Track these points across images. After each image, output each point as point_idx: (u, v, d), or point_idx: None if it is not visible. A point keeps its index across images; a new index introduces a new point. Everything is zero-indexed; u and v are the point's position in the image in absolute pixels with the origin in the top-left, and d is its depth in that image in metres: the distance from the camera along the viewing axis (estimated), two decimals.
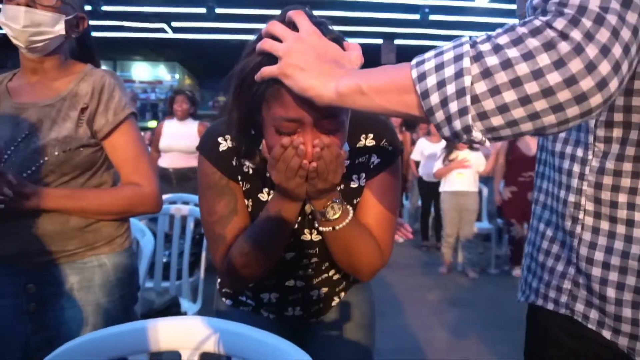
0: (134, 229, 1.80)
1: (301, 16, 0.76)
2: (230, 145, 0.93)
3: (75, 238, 1.12)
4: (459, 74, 0.54)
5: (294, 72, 0.67)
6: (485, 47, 0.54)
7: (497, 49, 0.53)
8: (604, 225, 0.73)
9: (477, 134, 0.55)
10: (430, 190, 5.46)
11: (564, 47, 0.50)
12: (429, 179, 5.36)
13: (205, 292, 2.17)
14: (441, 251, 4.93)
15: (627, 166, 0.70)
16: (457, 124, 0.55)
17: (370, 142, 0.97)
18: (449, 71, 0.55)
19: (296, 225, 0.96)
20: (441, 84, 0.55)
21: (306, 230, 0.99)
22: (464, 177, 4.55)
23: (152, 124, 14.35)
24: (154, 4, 12.91)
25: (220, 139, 0.94)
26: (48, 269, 1.12)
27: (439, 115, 0.56)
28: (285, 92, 0.72)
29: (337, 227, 0.86)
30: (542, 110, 0.52)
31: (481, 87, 0.53)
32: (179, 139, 3.79)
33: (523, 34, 0.52)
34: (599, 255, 0.73)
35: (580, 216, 0.75)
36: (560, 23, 0.51)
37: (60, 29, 1.08)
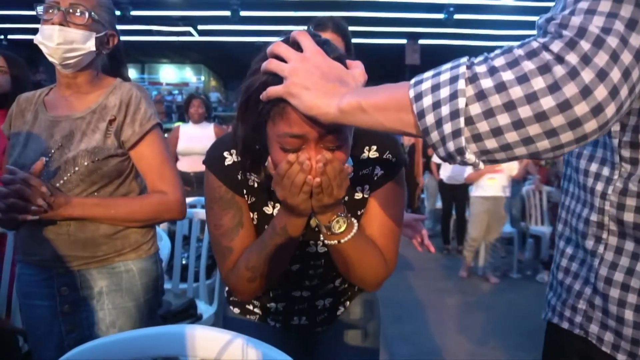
0: None
1: (305, 36, 0.77)
2: (235, 160, 0.94)
3: (105, 244, 1.18)
4: (453, 96, 0.53)
5: (300, 92, 0.68)
6: (481, 69, 0.53)
7: (492, 71, 0.52)
8: (629, 246, 0.70)
9: (470, 156, 0.55)
10: (451, 193, 5.41)
11: (559, 70, 0.48)
12: (450, 181, 5.31)
13: (221, 294, 2.22)
14: (463, 254, 4.87)
15: None
16: (451, 145, 0.54)
17: (373, 154, 0.98)
18: (445, 92, 0.54)
19: (302, 238, 0.96)
20: (436, 105, 0.55)
21: (311, 242, 0.99)
22: (495, 181, 4.47)
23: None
24: (181, 8, 13.21)
25: (226, 154, 0.95)
26: (80, 273, 1.17)
27: (434, 136, 0.56)
28: (290, 109, 0.73)
29: (342, 241, 0.86)
30: (536, 135, 0.50)
31: (475, 109, 0.52)
32: (197, 141, 3.85)
33: (519, 56, 0.51)
34: (618, 276, 0.71)
35: (604, 235, 0.73)
36: (557, 45, 0.50)
37: (91, 45, 1.15)
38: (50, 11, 1.12)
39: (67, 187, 1.14)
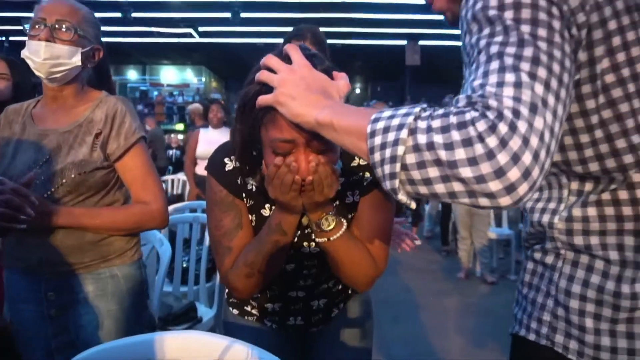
0: (153, 238, 1.91)
1: (294, 50, 0.85)
2: (235, 165, 1.02)
3: (91, 251, 1.23)
4: (396, 142, 0.58)
5: (286, 101, 0.75)
6: (422, 124, 0.58)
7: (428, 130, 0.57)
8: (584, 259, 0.77)
9: (402, 197, 0.61)
10: None
11: (479, 149, 0.53)
12: None
13: (220, 297, 2.26)
14: (459, 255, 4.92)
15: (592, 211, 0.75)
16: (388, 184, 0.61)
17: (363, 161, 1.04)
18: (391, 137, 0.59)
19: (296, 239, 1.03)
20: (382, 146, 0.60)
21: (305, 243, 1.04)
22: None
23: (180, 126, 14.66)
24: (181, 10, 13.25)
25: (226, 160, 1.03)
26: (66, 278, 1.22)
27: (378, 172, 0.62)
28: (279, 116, 0.81)
29: (331, 238, 0.92)
30: (459, 192, 0.56)
31: (411, 158, 0.57)
32: (216, 145, 3.88)
33: (451, 124, 0.56)
34: (576, 288, 0.77)
35: (562, 251, 0.80)
36: (481, 125, 0.54)
37: (77, 60, 1.18)
38: (37, 27, 1.16)
39: (55, 197, 1.18)
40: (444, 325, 3.51)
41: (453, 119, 0.56)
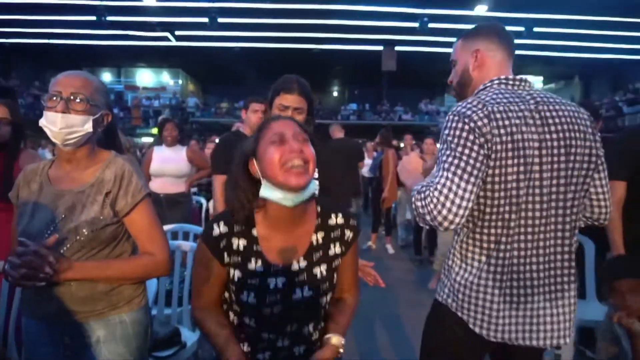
0: None
1: None
2: (221, 231, 1.16)
3: (102, 300, 1.33)
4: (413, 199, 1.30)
5: None
6: (416, 195, 1.26)
7: (417, 197, 1.26)
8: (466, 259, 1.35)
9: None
10: None
11: (426, 208, 1.23)
12: None
13: None
14: (433, 267, 5.09)
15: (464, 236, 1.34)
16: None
17: (340, 220, 1.24)
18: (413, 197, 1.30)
19: (287, 284, 1.16)
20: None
21: (297, 289, 1.15)
22: None
23: (155, 130, 14.52)
24: (158, 14, 13.16)
25: (215, 225, 1.17)
26: (80, 324, 1.32)
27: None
28: (273, 122, 1.14)
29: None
30: (424, 222, 1.24)
31: (415, 206, 1.27)
32: (169, 163, 3.98)
33: (420, 195, 1.26)
34: (460, 274, 1.33)
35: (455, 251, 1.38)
36: (428, 197, 1.24)
37: (89, 127, 1.29)
38: (54, 99, 1.26)
39: (70, 252, 1.28)
40: (418, 337, 3.57)
41: (420, 195, 1.24)
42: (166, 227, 3.00)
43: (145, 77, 21.30)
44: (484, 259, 1.29)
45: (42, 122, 1.26)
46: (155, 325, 2.27)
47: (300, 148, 1.10)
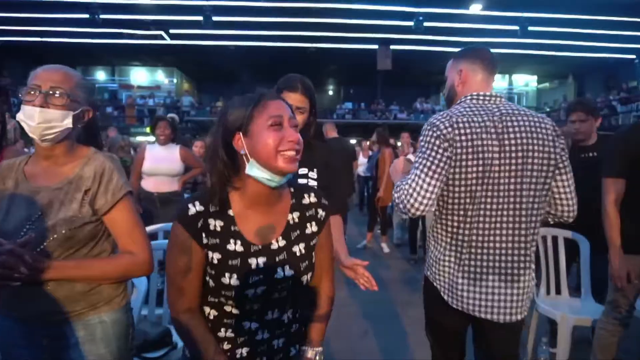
0: None
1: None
2: (198, 210, 1.10)
3: (82, 300, 1.28)
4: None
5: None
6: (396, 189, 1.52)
7: (396, 190, 1.44)
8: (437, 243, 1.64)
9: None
10: None
11: (401, 198, 1.56)
12: None
13: None
14: None
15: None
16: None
17: (313, 199, 1.25)
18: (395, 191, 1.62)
19: (269, 265, 1.13)
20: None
21: (279, 269, 1.13)
22: None
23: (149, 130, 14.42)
24: (152, 12, 13.05)
25: (190, 205, 1.11)
26: (59, 325, 1.28)
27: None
28: (269, 101, 1.09)
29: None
30: (401, 211, 1.55)
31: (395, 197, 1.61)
32: (162, 162, 3.93)
33: (397, 189, 1.60)
34: (436, 254, 1.62)
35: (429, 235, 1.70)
36: (400, 189, 1.59)
37: (68, 123, 1.24)
38: (32, 93, 1.21)
39: (46, 251, 1.23)
40: (413, 336, 3.49)
41: (397, 189, 1.57)
42: (155, 227, 2.95)
43: (139, 75, 21.18)
44: (448, 239, 1.58)
45: (20, 117, 1.21)
46: (146, 325, 2.23)
47: (297, 138, 1.10)
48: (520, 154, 1.47)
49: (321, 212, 1.25)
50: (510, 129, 1.49)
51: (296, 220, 1.20)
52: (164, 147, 4.04)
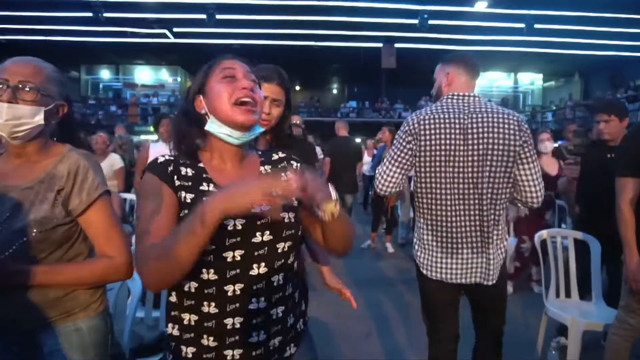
0: None
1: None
2: (167, 158, 1.09)
3: (56, 307, 1.21)
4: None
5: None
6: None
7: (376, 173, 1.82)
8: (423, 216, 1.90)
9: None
10: None
11: (376, 183, 1.96)
12: None
13: None
14: None
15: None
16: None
17: (282, 155, 1.24)
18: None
19: (246, 227, 1.04)
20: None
21: (258, 233, 1.06)
22: None
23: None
24: (155, 11, 13.02)
25: (159, 157, 1.10)
26: (32, 333, 1.20)
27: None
28: (224, 60, 1.11)
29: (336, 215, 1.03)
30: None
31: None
32: None
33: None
34: (418, 234, 1.91)
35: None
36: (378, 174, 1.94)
37: (39, 119, 1.17)
38: (0, 87, 1.13)
39: (16, 255, 1.15)
40: (417, 339, 3.48)
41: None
42: None
43: (143, 74, 21.18)
44: (425, 220, 1.86)
45: None
46: (141, 329, 2.17)
47: (251, 86, 1.09)
48: (482, 146, 1.74)
49: (295, 164, 1.23)
50: (474, 124, 1.75)
51: (269, 171, 1.18)
52: (167, 145, 3.98)
